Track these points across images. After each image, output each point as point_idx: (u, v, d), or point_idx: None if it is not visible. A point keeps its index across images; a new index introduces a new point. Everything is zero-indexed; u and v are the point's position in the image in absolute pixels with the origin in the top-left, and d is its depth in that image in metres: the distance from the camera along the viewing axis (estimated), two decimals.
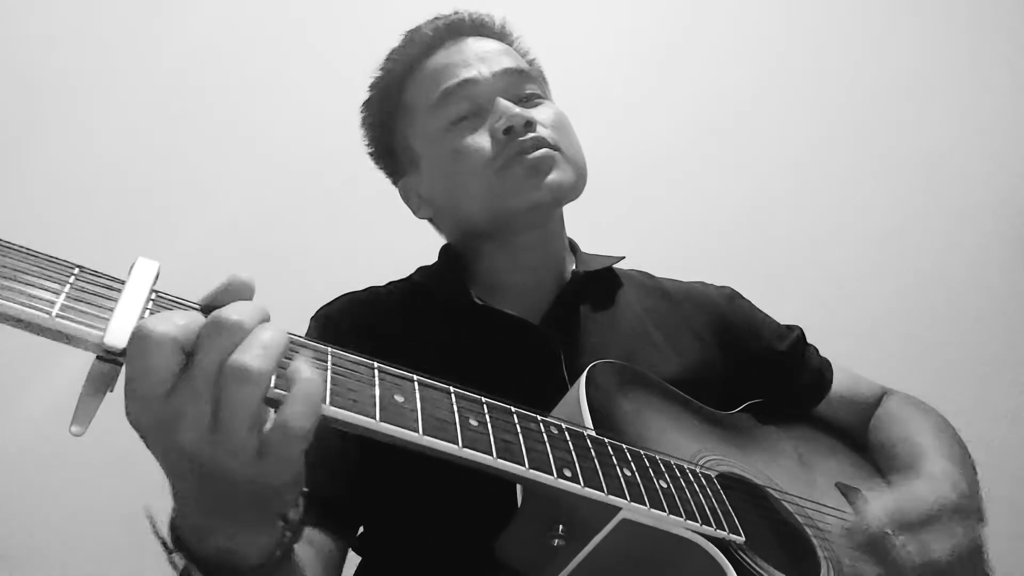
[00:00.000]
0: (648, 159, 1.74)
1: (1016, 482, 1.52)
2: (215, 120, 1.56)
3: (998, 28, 1.91)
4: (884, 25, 1.89)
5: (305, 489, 0.56)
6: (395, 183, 1.04)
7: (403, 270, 1.02)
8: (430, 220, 1.03)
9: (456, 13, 0.99)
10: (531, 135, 0.88)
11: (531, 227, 0.92)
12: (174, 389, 0.44)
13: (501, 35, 1.01)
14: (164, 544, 0.53)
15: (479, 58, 0.93)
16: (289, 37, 1.63)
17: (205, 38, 1.58)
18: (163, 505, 0.54)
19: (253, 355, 0.44)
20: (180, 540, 0.53)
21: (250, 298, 0.48)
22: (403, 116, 0.98)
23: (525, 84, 0.94)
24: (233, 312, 0.44)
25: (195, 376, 0.43)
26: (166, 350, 0.42)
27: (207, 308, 0.48)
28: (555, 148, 0.90)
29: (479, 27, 0.99)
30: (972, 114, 1.87)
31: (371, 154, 1.05)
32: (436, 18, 0.99)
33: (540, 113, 0.92)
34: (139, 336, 0.42)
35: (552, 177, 0.88)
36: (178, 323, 0.43)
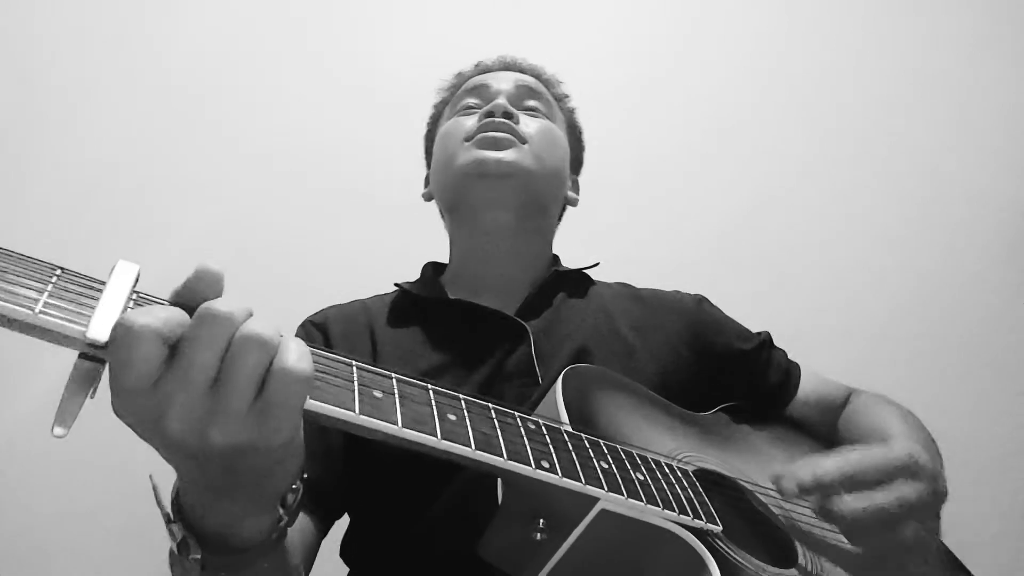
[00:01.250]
0: (648, 162, 1.77)
1: (1016, 482, 1.54)
2: (209, 122, 1.59)
3: (998, 28, 1.95)
4: (884, 26, 1.94)
5: (304, 476, 0.57)
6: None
7: (398, 270, 1.07)
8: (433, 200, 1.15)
9: (515, 57, 1.16)
10: (505, 126, 0.99)
11: (488, 202, 0.99)
12: (160, 380, 0.44)
13: (547, 83, 1.14)
14: (165, 514, 0.55)
15: (506, 78, 1.10)
16: (287, 39, 1.67)
17: (202, 40, 1.61)
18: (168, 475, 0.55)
19: (262, 325, 0.46)
20: (182, 512, 0.54)
21: (220, 287, 0.49)
22: (439, 126, 1.14)
23: (532, 99, 1.08)
24: (223, 304, 0.45)
25: (186, 365, 0.44)
26: (150, 342, 0.43)
27: (179, 303, 0.48)
28: (523, 139, 1.00)
29: (528, 69, 1.14)
30: (972, 114, 1.90)
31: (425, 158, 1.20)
32: (501, 56, 1.15)
33: (529, 119, 1.04)
34: (122, 329, 0.43)
35: (505, 154, 0.98)
36: (160, 316, 0.44)
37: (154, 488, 0.55)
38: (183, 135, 1.57)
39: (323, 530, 0.85)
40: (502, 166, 0.97)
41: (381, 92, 1.58)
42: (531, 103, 1.08)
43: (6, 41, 1.52)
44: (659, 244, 1.70)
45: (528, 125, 1.03)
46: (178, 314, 0.46)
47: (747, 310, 1.11)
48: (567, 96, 1.18)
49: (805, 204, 1.83)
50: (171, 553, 0.56)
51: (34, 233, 1.31)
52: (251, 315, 0.47)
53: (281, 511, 0.57)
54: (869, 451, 0.75)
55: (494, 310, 0.95)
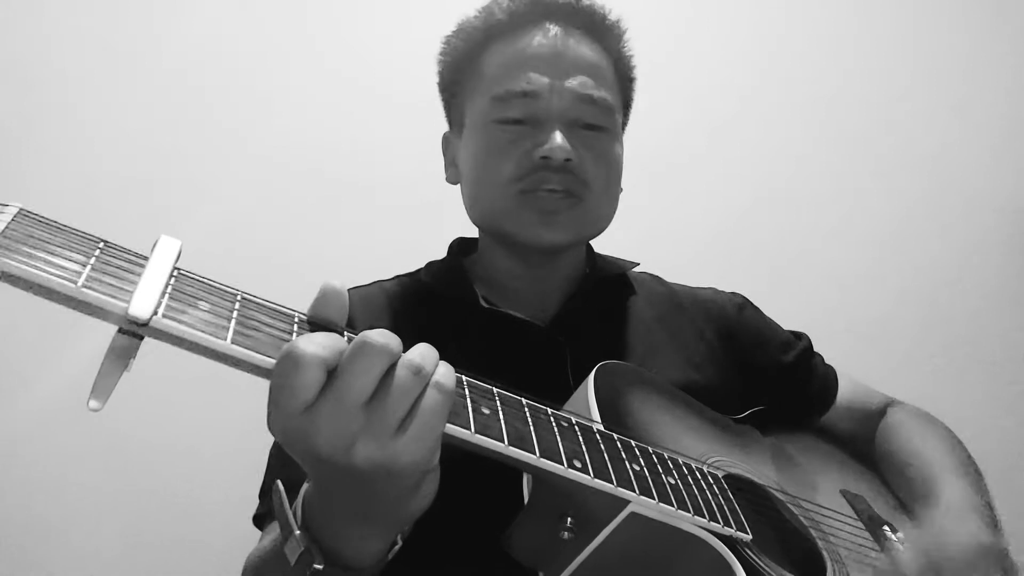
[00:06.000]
0: (645, 158, 1.74)
1: (1015, 482, 1.52)
2: (215, 119, 1.58)
3: (998, 27, 1.92)
4: (883, 24, 1.90)
5: None
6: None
7: (400, 265, 1.03)
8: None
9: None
10: (562, 174, 0.87)
11: (537, 253, 0.93)
12: (316, 403, 0.47)
13: (607, 34, 0.96)
14: (288, 523, 0.56)
15: (561, 66, 0.89)
16: (290, 36, 1.65)
17: (205, 38, 1.60)
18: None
19: (419, 352, 0.51)
20: (308, 525, 0.56)
21: (344, 303, 0.53)
22: (471, 78, 0.95)
23: (591, 112, 0.90)
24: (379, 336, 0.48)
25: (343, 391, 0.47)
26: (314, 369, 0.46)
27: (312, 320, 0.53)
28: (579, 196, 0.89)
29: (585, 18, 0.94)
30: (971, 112, 1.88)
31: (437, 84, 1.02)
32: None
33: (588, 149, 0.89)
34: (289, 356, 0.46)
35: (557, 229, 0.88)
36: (323, 344, 0.47)
37: (281, 497, 0.57)
38: (196, 132, 1.57)
39: None
40: (554, 244, 0.89)
41: (386, 89, 1.57)
42: (593, 118, 0.90)
43: (15, 39, 1.52)
44: (657, 241, 1.67)
45: (587, 160, 0.89)
46: (338, 341, 0.48)
47: None
48: (625, 44, 0.98)
49: (802, 202, 1.81)
50: (267, 559, 0.60)
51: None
52: (400, 342, 0.50)
53: (398, 537, 0.59)
54: (948, 533, 0.77)
55: (530, 322, 0.89)
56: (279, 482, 0.58)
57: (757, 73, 1.85)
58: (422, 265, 1.02)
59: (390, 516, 0.55)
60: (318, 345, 0.46)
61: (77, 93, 1.53)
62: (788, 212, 1.79)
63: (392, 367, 0.49)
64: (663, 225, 1.72)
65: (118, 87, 1.55)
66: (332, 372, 0.47)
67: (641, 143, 1.73)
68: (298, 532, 0.55)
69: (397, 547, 0.59)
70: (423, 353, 0.51)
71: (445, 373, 0.51)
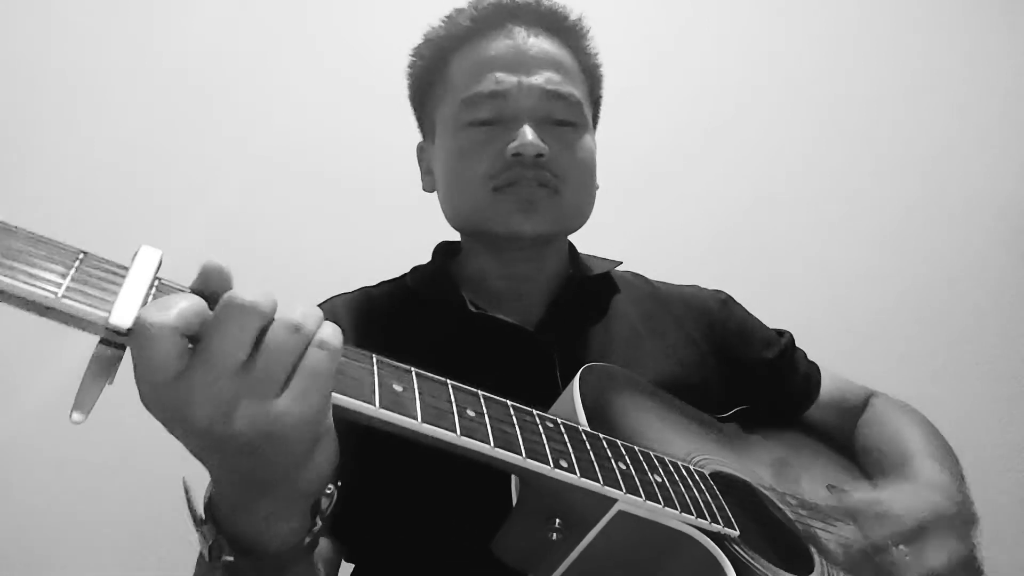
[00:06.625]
0: (645, 159, 1.74)
1: (1014, 482, 1.54)
2: (214, 119, 1.59)
3: (998, 27, 1.94)
4: (883, 24, 1.92)
5: (338, 483, 0.58)
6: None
7: (398, 266, 1.02)
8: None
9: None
10: (536, 169, 0.87)
11: (517, 249, 0.93)
12: (184, 371, 0.45)
13: (569, 33, 0.97)
14: (195, 517, 0.55)
15: (526, 64, 0.90)
16: (290, 36, 1.66)
17: (205, 38, 1.61)
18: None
19: (300, 312, 0.48)
20: (215, 515, 0.54)
21: (227, 280, 0.49)
22: (439, 85, 0.95)
23: (560, 108, 0.91)
24: (247, 294, 0.46)
25: (210, 355, 0.45)
26: (166, 339, 0.44)
27: (198, 293, 0.49)
28: (555, 188, 0.89)
29: (547, 18, 0.95)
30: (971, 113, 1.89)
31: (408, 96, 1.03)
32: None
33: (560, 144, 0.90)
34: (139, 327, 0.44)
35: (537, 219, 0.88)
36: (174, 311, 0.44)
37: (186, 490, 0.56)
38: (194, 131, 1.57)
39: (340, 551, 0.84)
40: (534, 234, 0.88)
41: (386, 89, 1.57)
42: (562, 114, 0.91)
43: (14, 38, 1.52)
44: (655, 241, 1.68)
45: (560, 154, 0.89)
46: (196, 304, 0.46)
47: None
48: (588, 41, 0.99)
49: (802, 202, 1.82)
50: (199, 560, 0.56)
51: (42, 229, 1.32)
52: (275, 301, 0.48)
53: (316, 518, 0.57)
54: (906, 498, 0.79)
55: (518, 327, 0.89)
56: (185, 477, 0.56)
57: (756, 73, 1.86)
58: (409, 268, 1.02)
59: (286, 488, 0.52)
60: (168, 314, 0.44)
61: (76, 93, 1.53)
62: (788, 212, 1.80)
63: (269, 327, 0.47)
64: (662, 226, 1.73)
65: (117, 87, 1.55)
66: (198, 337, 0.45)
67: (641, 143, 1.75)
68: (204, 526, 0.54)
69: (317, 528, 0.57)
70: (304, 312, 0.48)
71: (331, 332, 0.49)
